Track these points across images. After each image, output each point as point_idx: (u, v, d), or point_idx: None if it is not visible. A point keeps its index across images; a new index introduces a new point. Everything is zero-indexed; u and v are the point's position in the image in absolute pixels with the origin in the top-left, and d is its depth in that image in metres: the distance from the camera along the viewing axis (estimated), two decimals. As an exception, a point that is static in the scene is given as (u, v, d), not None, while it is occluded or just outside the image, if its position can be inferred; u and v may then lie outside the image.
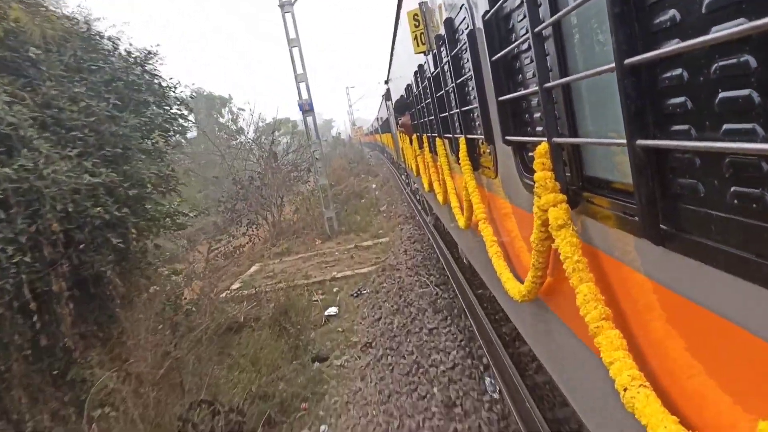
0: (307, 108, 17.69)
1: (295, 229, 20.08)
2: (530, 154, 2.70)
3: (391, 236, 15.77)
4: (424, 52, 5.53)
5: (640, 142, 1.40)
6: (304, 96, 17.46)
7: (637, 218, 1.55)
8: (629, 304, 1.87)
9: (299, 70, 17.10)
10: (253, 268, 15.11)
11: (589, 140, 1.92)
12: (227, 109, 49.15)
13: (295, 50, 16.77)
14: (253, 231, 19.08)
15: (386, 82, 18.13)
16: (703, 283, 1.34)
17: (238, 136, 41.94)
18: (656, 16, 1.32)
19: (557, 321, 2.77)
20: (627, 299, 1.88)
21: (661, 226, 1.45)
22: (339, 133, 59.17)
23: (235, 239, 16.84)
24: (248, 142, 39.01)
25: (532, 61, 2.33)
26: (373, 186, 30.03)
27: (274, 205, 22.05)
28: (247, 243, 17.74)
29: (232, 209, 20.51)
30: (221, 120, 47.96)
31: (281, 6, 16.39)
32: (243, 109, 48.53)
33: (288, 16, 16.18)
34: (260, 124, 50.76)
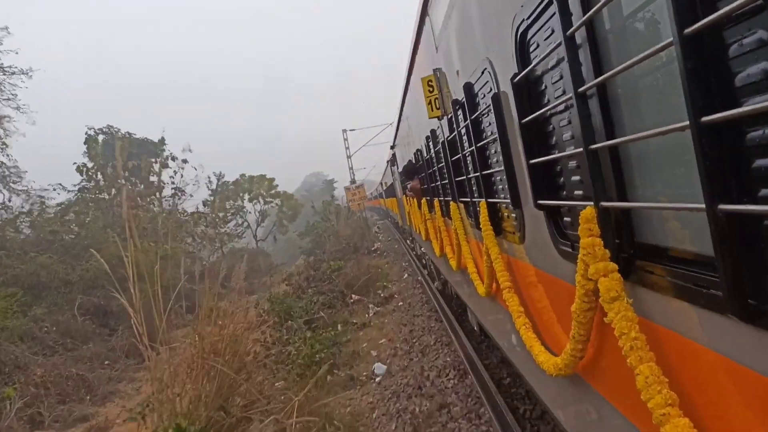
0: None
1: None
2: (566, 219, 2.57)
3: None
4: (438, 117, 5.53)
5: (723, 207, 1.25)
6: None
7: (717, 292, 1.38)
8: (701, 387, 1.66)
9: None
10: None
11: (652, 204, 1.77)
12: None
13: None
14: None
15: (392, 147, 18.38)
16: None
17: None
18: (739, 71, 1.21)
19: (600, 399, 2.53)
20: (698, 382, 1.67)
21: (750, 301, 1.28)
22: (336, 201, 49.40)
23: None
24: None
25: (570, 123, 2.24)
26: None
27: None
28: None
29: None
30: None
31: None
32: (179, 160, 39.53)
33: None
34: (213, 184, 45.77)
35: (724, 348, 1.46)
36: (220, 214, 42.01)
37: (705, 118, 1.24)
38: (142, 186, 36.52)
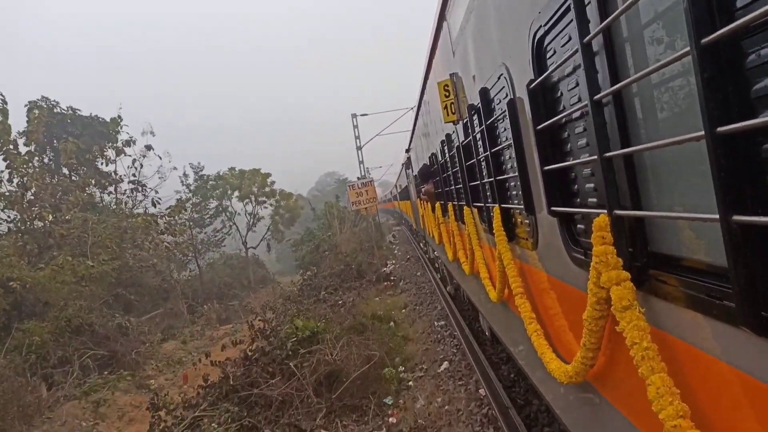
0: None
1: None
2: (579, 226, 2.56)
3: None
4: (453, 122, 5.53)
5: (737, 218, 1.24)
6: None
7: (730, 303, 1.37)
8: (711, 399, 1.64)
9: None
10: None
11: (665, 214, 1.76)
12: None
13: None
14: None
15: (407, 151, 18.39)
16: None
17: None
18: (756, 81, 1.20)
19: (611, 408, 2.51)
20: (710, 394, 1.65)
21: (763, 314, 1.27)
22: (342, 203, 36.84)
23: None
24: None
25: (585, 130, 2.23)
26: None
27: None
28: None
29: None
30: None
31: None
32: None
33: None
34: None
35: (737, 360, 1.45)
36: (184, 217, 31.85)
37: (720, 129, 1.24)
38: (84, 178, 26.40)
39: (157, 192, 29.74)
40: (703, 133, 1.29)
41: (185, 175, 38.53)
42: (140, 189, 29.61)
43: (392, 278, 18.84)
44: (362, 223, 31.87)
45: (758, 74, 1.21)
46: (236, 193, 41.51)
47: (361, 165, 34.16)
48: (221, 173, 41.15)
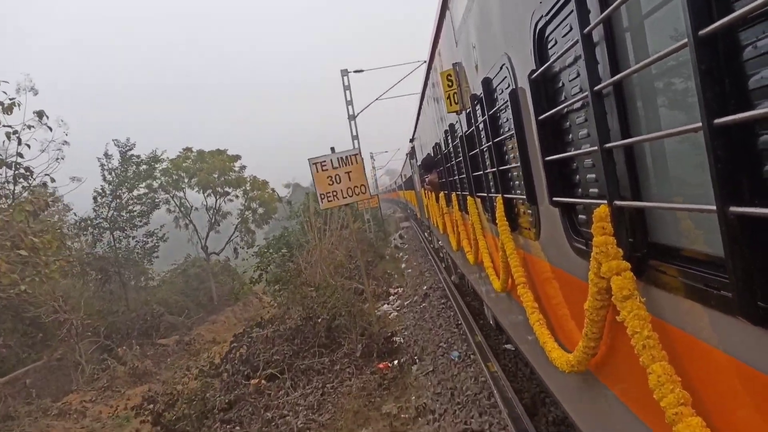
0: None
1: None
2: (581, 216, 2.57)
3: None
4: (456, 112, 5.52)
5: (734, 209, 1.25)
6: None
7: (727, 293, 1.38)
8: (710, 388, 1.66)
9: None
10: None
11: (664, 205, 1.77)
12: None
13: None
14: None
15: (411, 141, 18.37)
16: None
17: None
18: (753, 73, 1.21)
19: (611, 397, 2.53)
20: (707, 382, 1.67)
21: (760, 303, 1.28)
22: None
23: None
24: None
25: (586, 121, 2.24)
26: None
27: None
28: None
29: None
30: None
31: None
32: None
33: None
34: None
35: (734, 349, 1.47)
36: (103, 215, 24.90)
37: (718, 120, 1.24)
38: None
39: (53, 180, 19.13)
40: (700, 124, 1.30)
41: (107, 156, 26.41)
42: (21, 174, 18.59)
43: (400, 350, 9.29)
44: (357, 221, 21.78)
45: (755, 66, 1.21)
46: (193, 182, 32.01)
47: (355, 140, 24.11)
48: (161, 155, 29.47)
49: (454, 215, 7.83)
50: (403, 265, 20.12)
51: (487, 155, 4.46)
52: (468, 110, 5.02)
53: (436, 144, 9.21)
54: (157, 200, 29.65)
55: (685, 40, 1.30)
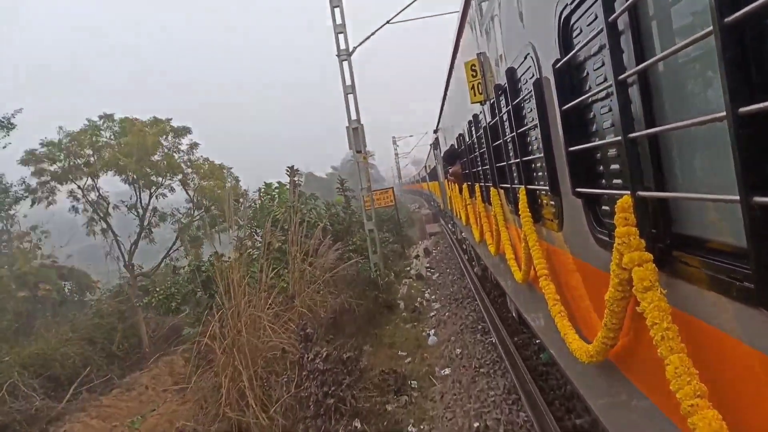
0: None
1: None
2: (604, 207, 2.55)
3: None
4: (480, 102, 5.49)
5: (758, 199, 1.24)
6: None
7: (749, 284, 1.37)
8: (731, 380, 1.65)
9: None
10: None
11: (686, 195, 1.75)
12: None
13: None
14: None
15: (435, 131, 18.32)
16: None
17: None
18: None
19: (631, 387, 2.53)
20: (727, 375, 1.66)
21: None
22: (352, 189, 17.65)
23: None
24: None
25: (610, 110, 2.22)
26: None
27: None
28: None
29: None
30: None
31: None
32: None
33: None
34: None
35: (756, 341, 1.46)
36: None
37: (742, 109, 1.23)
38: None
39: None
40: (724, 113, 1.28)
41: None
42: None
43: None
44: (351, 237, 15.12)
45: None
46: (100, 165, 21.52)
47: (349, 98, 13.87)
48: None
49: (477, 206, 7.81)
50: (430, 337, 10.10)
51: (510, 146, 4.44)
52: (492, 100, 4.99)
53: (460, 135, 9.18)
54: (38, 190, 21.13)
55: (710, 27, 1.28)
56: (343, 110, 13.60)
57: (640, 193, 1.91)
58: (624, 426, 2.86)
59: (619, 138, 1.97)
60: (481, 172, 6.91)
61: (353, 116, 13.79)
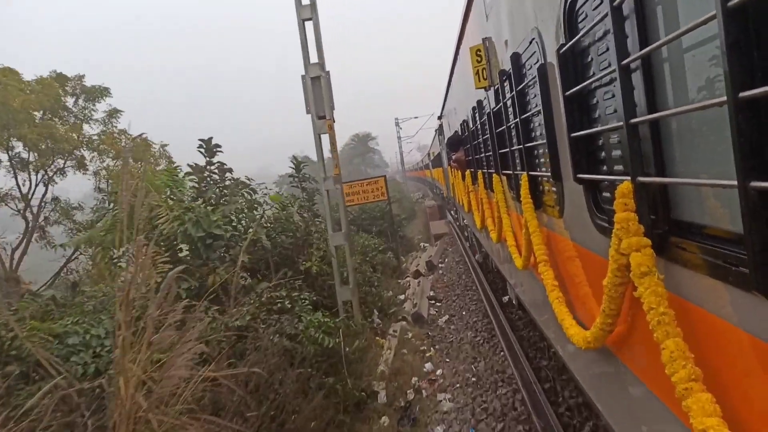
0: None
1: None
2: (604, 193, 2.56)
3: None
4: (485, 88, 5.47)
5: (755, 183, 1.25)
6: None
7: (745, 269, 1.38)
8: (725, 364, 1.67)
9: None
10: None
11: (685, 180, 1.76)
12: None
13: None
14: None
15: (439, 118, 18.23)
16: None
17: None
18: None
19: (628, 373, 2.56)
20: (722, 359, 1.68)
21: (776, 279, 1.28)
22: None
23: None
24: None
25: (613, 96, 2.21)
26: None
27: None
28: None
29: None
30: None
31: None
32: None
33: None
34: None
35: (750, 326, 1.47)
36: None
37: (743, 94, 1.23)
38: None
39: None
40: (725, 98, 1.28)
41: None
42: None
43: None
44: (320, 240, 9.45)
45: None
46: None
47: (307, 27, 8.15)
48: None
49: (480, 193, 7.81)
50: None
51: (513, 132, 4.43)
52: (496, 86, 4.97)
53: (464, 121, 9.14)
54: None
55: (713, 12, 1.28)
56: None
57: (640, 178, 1.92)
58: (619, 411, 2.90)
59: (621, 123, 1.97)
60: (483, 159, 6.90)
61: (313, 59, 8.17)
